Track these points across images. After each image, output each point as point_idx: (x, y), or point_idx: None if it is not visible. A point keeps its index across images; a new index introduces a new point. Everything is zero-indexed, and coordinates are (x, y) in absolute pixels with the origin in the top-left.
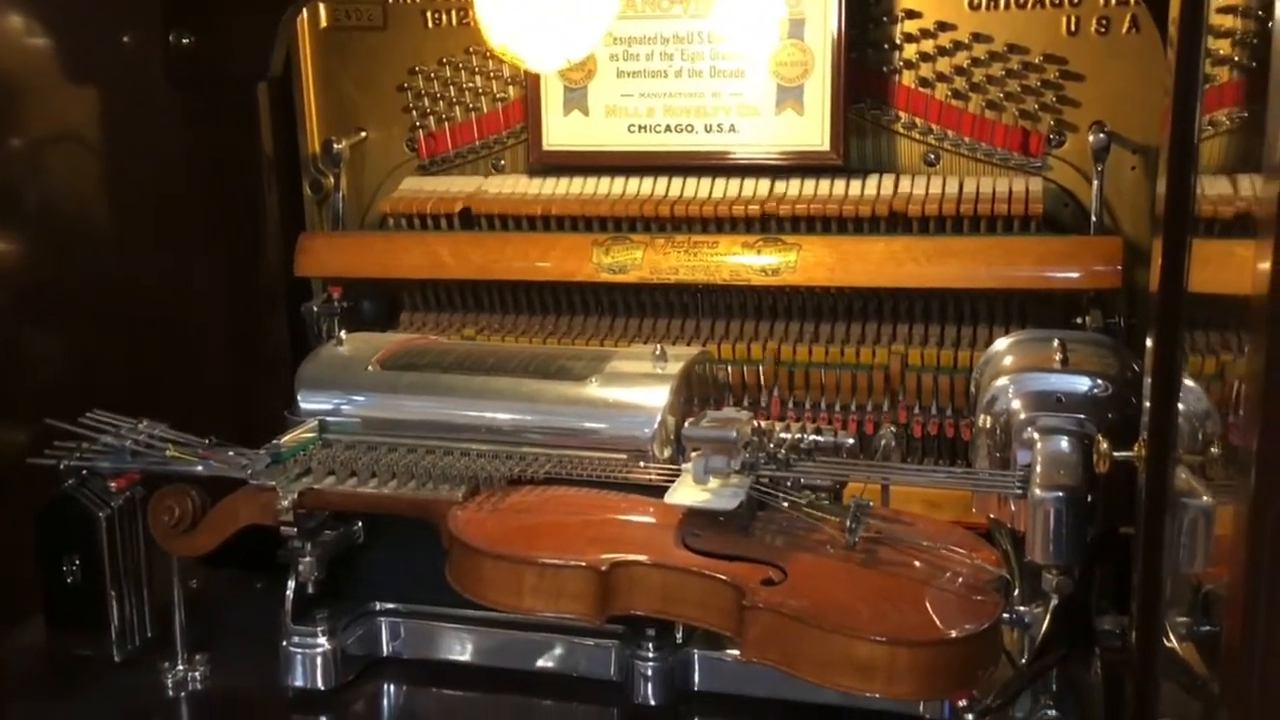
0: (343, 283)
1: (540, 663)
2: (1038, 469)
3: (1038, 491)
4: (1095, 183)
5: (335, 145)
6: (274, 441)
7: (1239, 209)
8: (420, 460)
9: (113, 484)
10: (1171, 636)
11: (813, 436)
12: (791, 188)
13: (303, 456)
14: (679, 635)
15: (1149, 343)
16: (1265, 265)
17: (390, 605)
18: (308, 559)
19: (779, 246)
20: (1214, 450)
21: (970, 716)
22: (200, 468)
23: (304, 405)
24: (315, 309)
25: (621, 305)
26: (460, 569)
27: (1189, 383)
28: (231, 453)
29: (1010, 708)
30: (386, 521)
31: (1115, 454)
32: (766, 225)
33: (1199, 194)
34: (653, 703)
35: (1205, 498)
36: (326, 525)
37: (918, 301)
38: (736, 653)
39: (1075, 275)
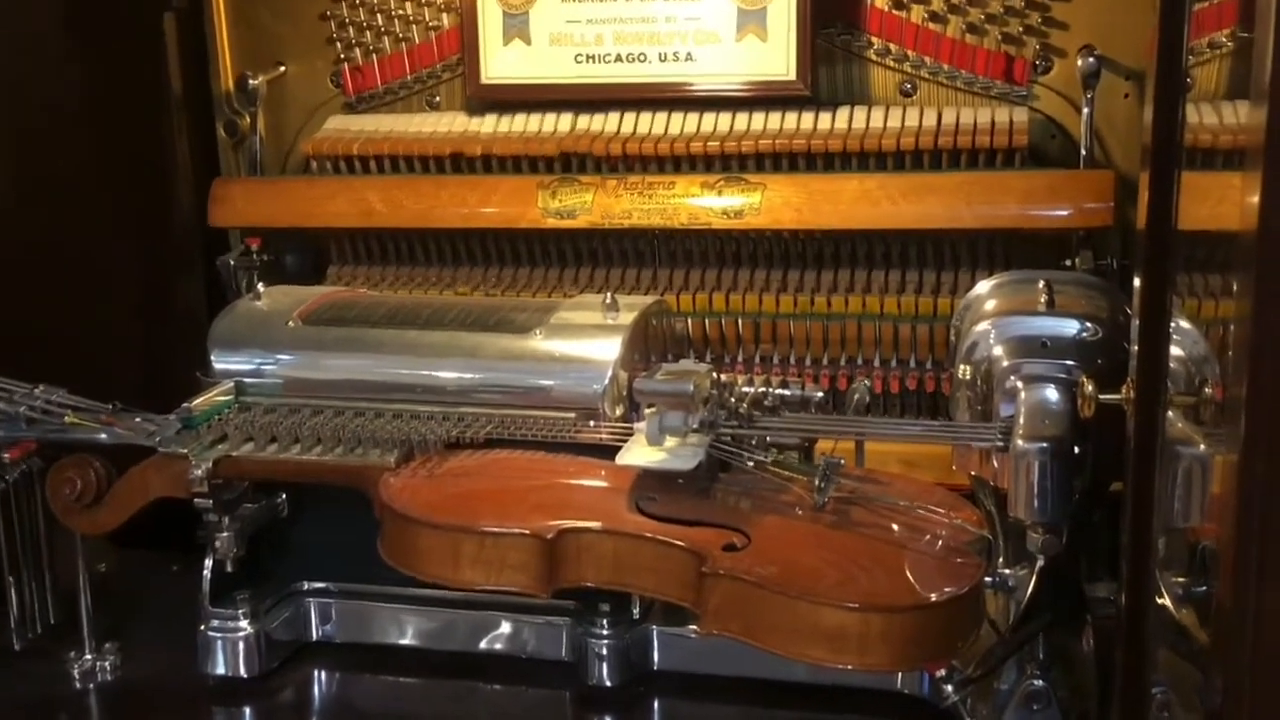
0: (262, 233)
1: (485, 644)
2: (1020, 420)
3: (1020, 443)
4: (1085, 112)
5: (251, 82)
6: (185, 405)
7: (1236, 138)
8: (348, 423)
9: (6, 455)
10: (1168, 599)
11: (778, 391)
12: (755, 122)
13: (217, 421)
14: (636, 610)
15: (1137, 282)
16: (1253, 199)
17: (319, 584)
18: (225, 534)
19: (742, 186)
20: (1208, 391)
21: (950, 688)
22: (104, 435)
23: (218, 365)
24: (232, 263)
25: (571, 254)
26: (393, 540)
27: (1185, 325)
28: (138, 419)
29: (994, 678)
30: (312, 492)
31: (1101, 396)
32: (728, 163)
33: (1195, 123)
34: (608, 684)
35: (1201, 446)
36: (246, 497)
37: (894, 244)
38: (697, 627)
39: (1064, 213)
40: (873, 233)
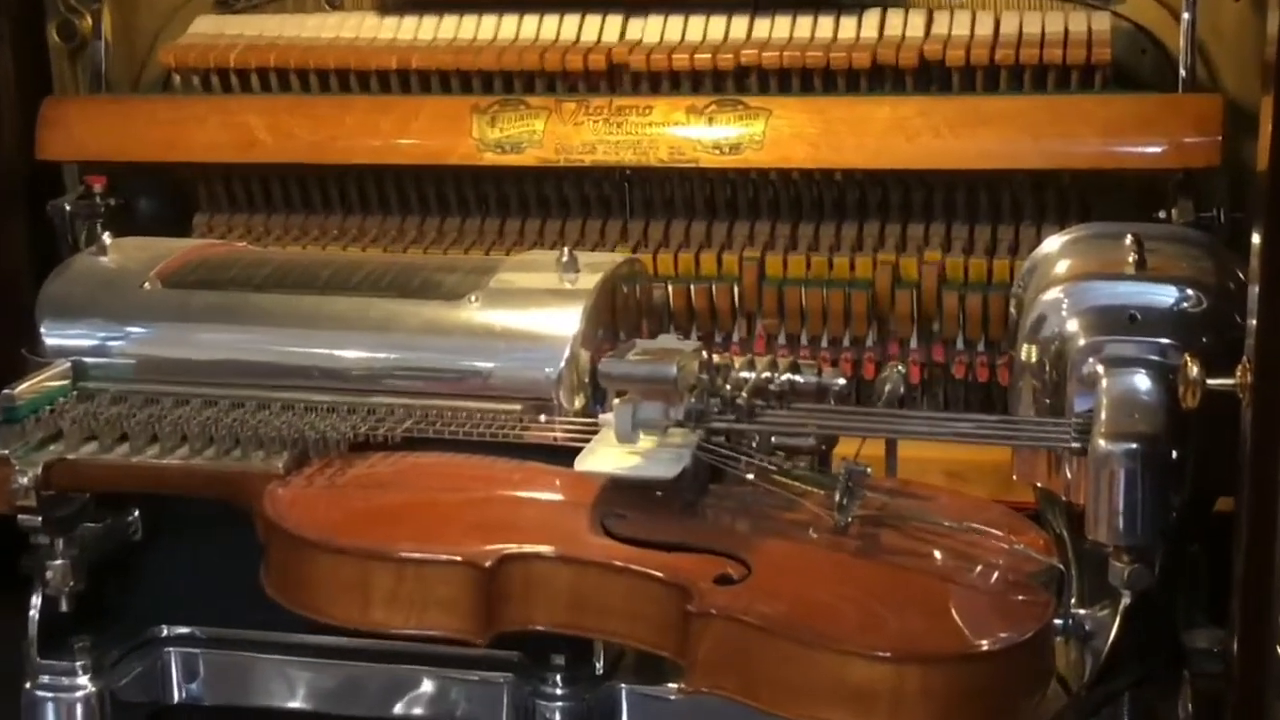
0: (108, 170)
1: (402, 707)
2: (1103, 414)
3: (1102, 444)
4: (1185, 19)
5: None
6: (6, 392)
7: None
8: (223, 417)
9: None
10: None
11: (788, 376)
12: (758, 28)
13: (49, 414)
14: (599, 663)
15: (1255, 239)
16: None
17: (182, 629)
18: (60, 564)
19: (740, 113)
20: None
21: None
22: None
23: (50, 340)
24: (68, 208)
25: (515, 200)
26: (282, 571)
27: None
28: None
29: None
30: (175, 508)
31: (1209, 382)
32: (722, 82)
33: None
34: None
35: None
36: (86, 515)
37: (937, 190)
38: (680, 685)
39: (1157, 149)
40: (909, 174)
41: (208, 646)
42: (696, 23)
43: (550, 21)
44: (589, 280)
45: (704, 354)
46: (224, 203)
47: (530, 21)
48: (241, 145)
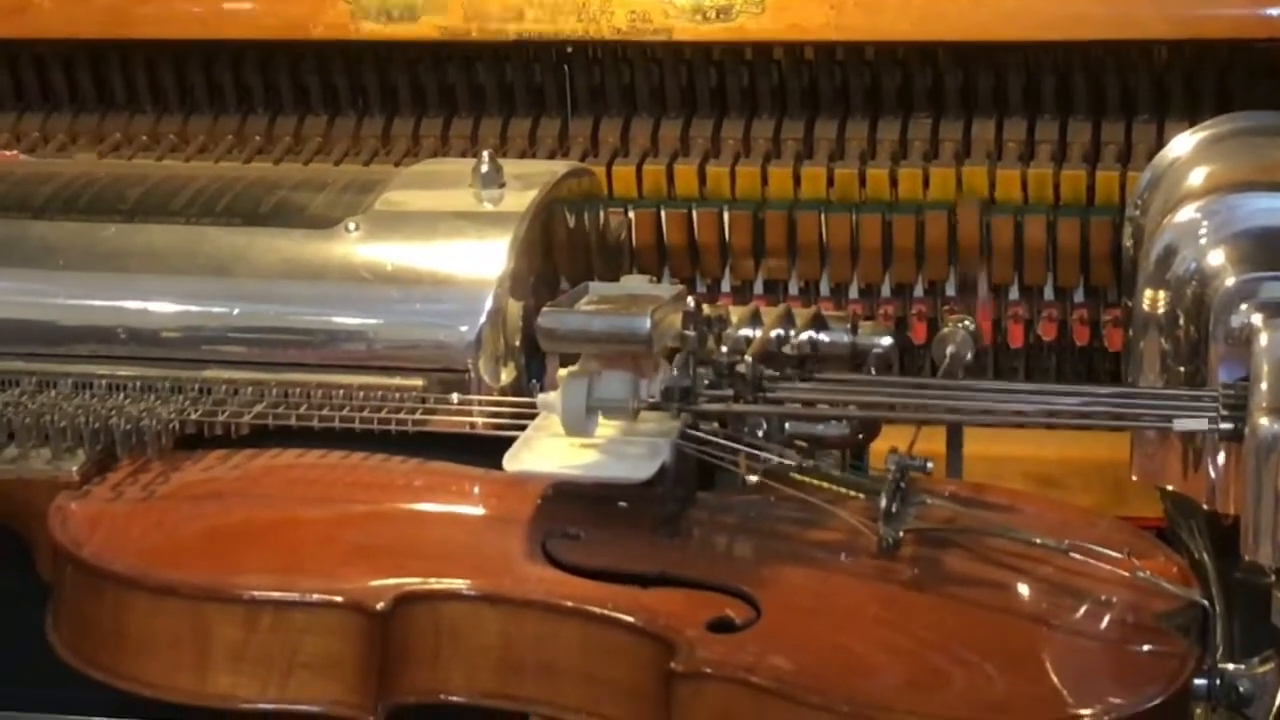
0: None
1: None
2: (1263, 383)
3: (1264, 423)
4: None
5: None
6: None
7: None
8: None
9: None
10: None
11: (809, 335)
12: None
13: None
14: None
15: None
16: None
17: None
18: None
19: None
20: None
21: None
22: None
23: None
24: None
25: (407, 90)
26: (79, 622)
27: None
28: None
29: None
30: None
31: None
32: None
33: None
34: None
35: None
36: None
37: (1013, 72)
38: None
39: None
40: (974, 49)
41: None
42: None
43: None
44: (519, 199)
45: (690, 303)
46: None
47: None
48: (6, 13)
